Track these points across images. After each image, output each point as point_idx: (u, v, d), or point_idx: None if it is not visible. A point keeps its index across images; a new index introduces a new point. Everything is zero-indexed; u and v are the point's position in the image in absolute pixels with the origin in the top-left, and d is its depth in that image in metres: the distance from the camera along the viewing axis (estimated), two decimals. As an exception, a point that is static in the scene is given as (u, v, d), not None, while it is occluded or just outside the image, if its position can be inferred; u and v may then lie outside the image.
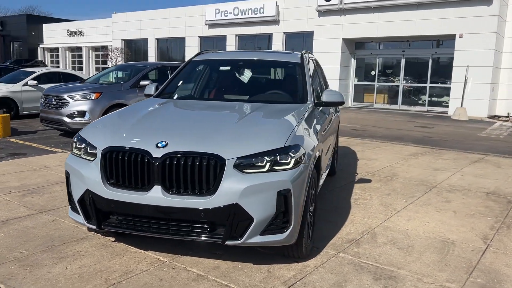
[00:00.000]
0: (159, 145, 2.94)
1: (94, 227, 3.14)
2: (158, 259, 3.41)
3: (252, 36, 26.05)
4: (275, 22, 24.60)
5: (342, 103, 4.29)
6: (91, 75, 12.50)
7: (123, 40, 32.96)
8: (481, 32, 17.07)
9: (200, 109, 3.95)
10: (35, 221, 4.16)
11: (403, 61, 20.64)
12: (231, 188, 2.84)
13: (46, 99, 9.25)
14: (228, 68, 4.79)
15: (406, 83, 20.91)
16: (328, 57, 21.10)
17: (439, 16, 17.96)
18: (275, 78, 4.66)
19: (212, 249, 3.57)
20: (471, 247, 3.83)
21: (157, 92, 4.51)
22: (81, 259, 3.36)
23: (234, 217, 2.87)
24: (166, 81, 4.65)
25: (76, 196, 3.18)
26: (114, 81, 10.22)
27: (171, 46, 30.47)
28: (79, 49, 39.21)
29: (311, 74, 4.55)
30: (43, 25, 42.45)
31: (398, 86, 21.00)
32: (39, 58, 41.27)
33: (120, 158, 2.99)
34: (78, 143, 3.29)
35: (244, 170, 2.91)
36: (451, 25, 17.70)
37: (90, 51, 38.40)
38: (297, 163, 3.04)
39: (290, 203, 2.97)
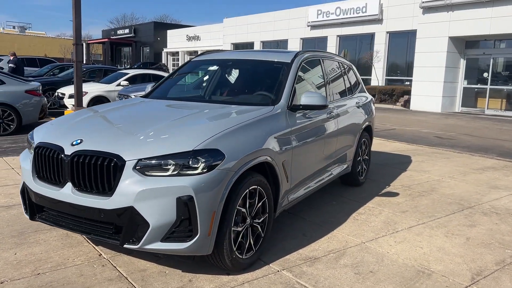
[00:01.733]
0: (74, 142, 3.01)
1: (28, 217, 3.34)
2: (100, 255, 3.49)
3: (354, 37, 25.16)
4: (378, 21, 23.41)
5: (323, 106, 3.90)
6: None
7: (232, 43, 34.44)
8: None
9: (151, 109, 3.92)
10: (33, 209, 4.57)
11: (522, 61, 18.00)
12: (128, 190, 2.78)
13: (120, 98, 10.11)
14: (215, 68, 4.69)
15: (526, 86, 18.19)
16: (432, 58, 19.42)
17: None
18: (257, 79, 4.40)
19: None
20: (448, 282, 3.18)
21: (147, 92, 4.62)
22: (34, 247, 3.59)
23: (130, 220, 2.80)
24: (159, 82, 4.73)
25: (20, 188, 3.43)
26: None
27: (274, 48, 30.89)
28: (196, 52, 42.02)
29: (298, 75, 4.19)
30: (167, 31, 46.46)
31: (516, 90, 18.38)
32: (163, 62, 45.27)
33: (42, 153, 3.13)
34: (29, 139, 3.53)
35: (146, 173, 2.82)
36: None
37: (205, 54, 40.87)
38: (209, 168, 2.85)
39: (194, 211, 2.79)
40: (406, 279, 3.22)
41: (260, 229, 3.39)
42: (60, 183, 3.04)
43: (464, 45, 19.66)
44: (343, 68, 5.52)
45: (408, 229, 4.25)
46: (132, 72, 14.36)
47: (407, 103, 20.87)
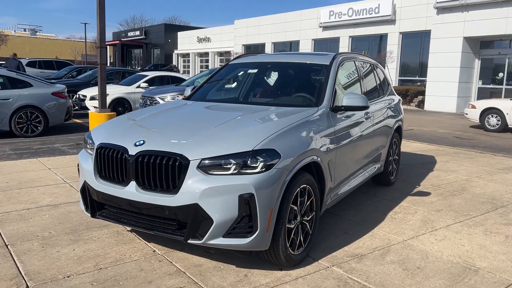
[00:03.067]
0: (137, 143, 3.15)
1: (89, 215, 3.49)
2: (154, 251, 3.63)
3: (366, 37, 25.20)
4: (391, 21, 23.44)
5: (364, 107, 4.01)
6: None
7: (243, 45, 34.61)
8: None
9: (200, 111, 4.06)
10: (78, 207, 4.73)
11: (538, 61, 17.96)
12: (192, 188, 2.91)
13: (143, 100, 10.28)
14: (255, 71, 4.82)
15: (542, 86, 18.14)
16: (447, 58, 19.42)
17: None
18: (297, 81, 4.52)
19: (207, 247, 3.66)
20: (496, 278, 3.28)
21: (188, 94, 4.76)
22: (90, 244, 3.75)
23: (195, 217, 2.94)
24: (200, 84, 4.87)
25: (79, 187, 3.58)
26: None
27: (286, 50, 31.02)
28: (206, 54, 42.31)
29: (338, 77, 4.32)
30: (178, 33, 46.79)
31: (531, 90, 18.33)
32: (173, 63, 45.59)
33: (105, 154, 3.28)
34: (87, 139, 3.68)
35: (209, 172, 2.95)
36: None
37: (216, 55, 41.16)
38: (267, 167, 2.98)
39: (254, 208, 2.92)
40: (454, 275, 3.32)
41: (308, 227, 3.51)
42: (124, 182, 3.18)
43: (479, 45, 19.64)
44: (374, 70, 5.62)
45: (446, 228, 4.35)
46: (151, 74, 14.54)
47: (421, 104, 20.88)
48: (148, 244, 3.77)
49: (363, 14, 24.58)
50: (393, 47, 23.32)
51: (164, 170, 3.00)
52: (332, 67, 4.34)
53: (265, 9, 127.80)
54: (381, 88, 5.69)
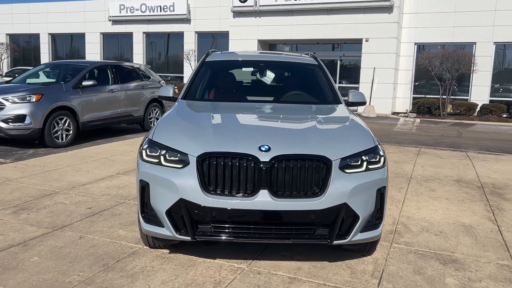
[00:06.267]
0: (262, 148, 2.86)
1: (188, 238, 2.92)
2: (234, 266, 3.28)
3: (162, 34, 25.33)
4: (186, 20, 24.22)
5: (364, 103, 4.53)
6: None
7: (7, 34, 29.56)
8: (384, 37, 18.88)
9: (261, 112, 3.86)
10: (59, 240, 3.68)
11: (313, 63, 21.90)
12: (340, 188, 2.89)
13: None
14: (250, 69, 4.72)
15: (316, 83, 22.22)
16: (244, 58, 21.44)
17: (347, 21, 19.41)
18: (301, 79, 4.69)
19: (278, 250, 3.54)
20: (488, 228, 4.35)
21: (182, 95, 4.27)
22: (155, 275, 3.09)
23: (341, 217, 2.92)
24: (188, 83, 4.41)
25: (162, 207, 2.92)
26: (50, 81, 9.19)
27: (69, 42, 28.19)
28: None
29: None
30: None
31: (309, 86, 22.23)
32: None
33: (223, 164, 2.83)
34: (153, 149, 3.01)
35: (345, 170, 2.97)
36: (358, 30, 19.25)
37: (-36, 45, 33.67)
38: (384, 161, 3.19)
39: (384, 200, 3.12)
40: (466, 232, 4.22)
41: None
42: (248, 192, 2.82)
43: (268, 47, 22.46)
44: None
45: (407, 200, 5.30)
46: None
47: (223, 99, 22.48)
48: (216, 260, 3.37)
49: (157, 11, 24.54)
50: (190, 45, 24.20)
51: (308, 173, 2.84)
52: (323, 66, 4.68)
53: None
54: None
